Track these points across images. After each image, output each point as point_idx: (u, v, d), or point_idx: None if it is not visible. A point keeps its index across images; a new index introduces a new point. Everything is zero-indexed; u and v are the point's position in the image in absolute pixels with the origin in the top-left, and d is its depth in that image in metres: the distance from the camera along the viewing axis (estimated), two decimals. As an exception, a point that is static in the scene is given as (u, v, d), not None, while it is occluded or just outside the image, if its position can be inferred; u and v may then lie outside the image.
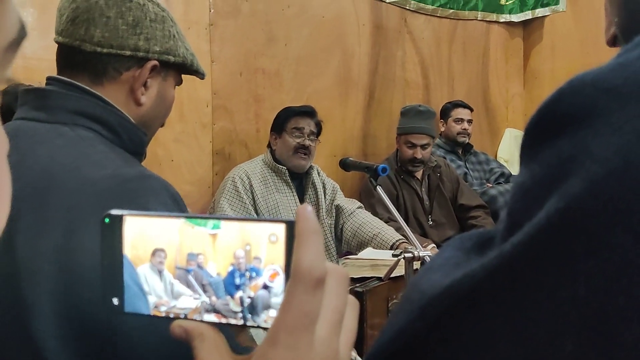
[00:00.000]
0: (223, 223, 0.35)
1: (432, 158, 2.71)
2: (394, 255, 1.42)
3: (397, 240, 2.02)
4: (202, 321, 0.36)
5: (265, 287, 0.35)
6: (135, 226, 0.37)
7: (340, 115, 2.90)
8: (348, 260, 1.84)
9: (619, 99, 0.33)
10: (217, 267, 0.36)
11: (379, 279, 1.59)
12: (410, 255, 1.33)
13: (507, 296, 0.35)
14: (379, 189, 1.49)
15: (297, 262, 0.31)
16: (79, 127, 0.76)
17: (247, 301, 0.35)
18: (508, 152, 3.79)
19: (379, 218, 2.30)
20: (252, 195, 2.12)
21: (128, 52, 0.82)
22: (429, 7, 3.32)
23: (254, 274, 0.35)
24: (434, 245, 2.04)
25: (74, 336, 0.62)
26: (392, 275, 1.48)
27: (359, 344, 1.41)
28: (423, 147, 2.60)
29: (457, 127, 3.14)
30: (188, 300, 0.36)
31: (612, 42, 0.54)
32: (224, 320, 0.36)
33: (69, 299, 0.62)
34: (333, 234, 2.28)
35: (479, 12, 3.63)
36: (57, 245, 0.63)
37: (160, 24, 0.85)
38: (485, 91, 3.78)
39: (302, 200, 2.23)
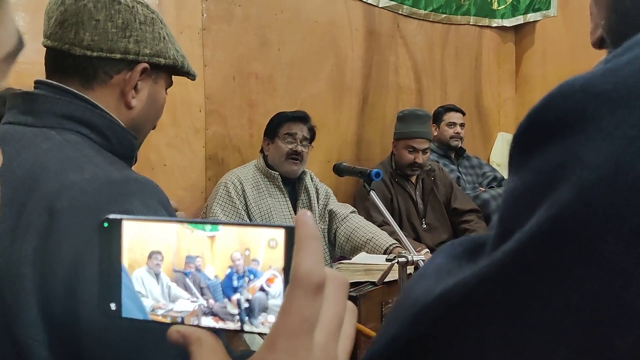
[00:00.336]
0: (222, 227, 0.35)
1: (427, 162, 2.72)
2: (387, 260, 1.42)
3: (390, 245, 2.02)
4: (199, 326, 0.36)
5: (263, 289, 0.35)
6: (133, 230, 0.37)
7: (334, 120, 2.90)
8: (342, 264, 1.84)
9: (609, 104, 0.33)
10: (215, 270, 0.35)
11: (373, 283, 1.59)
12: (403, 259, 1.33)
13: (499, 304, 0.35)
14: (372, 194, 1.49)
15: (296, 267, 0.31)
16: (67, 131, 0.75)
17: (245, 304, 0.35)
18: (500, 156, 3.81)
19: (374, 221, 2.30)
20: (245, 201, 2.12)
21: (118, 55, 0.81)
22: (422, 11, 3.33)
23: (251, 277, 0.35)
24: (427, 250, 2.04)
25: (59, 341, 0.61)
26: (386, 279, 1.48)
27: (353, 350, 1.41)
28: (424, 151, 2.62)
29: (450, 131, 3.15)
30: (185, 304, 0.36)
31: (599, 44, 0.54)
32: (221, 323, 0.36)
33: (49, 303, 0.61)
34: (326, 239, 2.27)
35: (471, 17, 3.65)
36: (35, 248, 0.62)
37: (150, 26, 0.85)
38: (478, 95, 3.79)
39: (294, 206, 2.23)
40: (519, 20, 3.85)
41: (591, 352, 0.33)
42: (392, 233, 2.09)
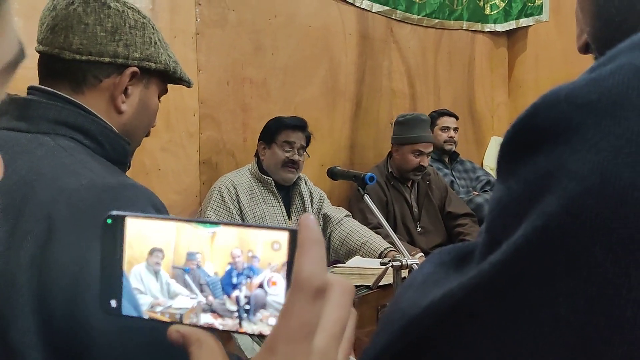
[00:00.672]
0: (224, 227, 0.35)
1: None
2: (382, 264, 1.43)
3: (385, 249, 2.02)
4: (197, 325, 0.36)
5: (262, 286, 0.35)
6: (136, 227, 0.37)
7: (328, 125, 2.90)
8: (336, 268, 1.84)
9: (594, 115, 0.33)
10: (214, 267, 0.36)
11: (368, 287, 1.59)
12: (398, 263, 1.33)
13: (487, 316, 0.35)
14: (366, 197, 1.50)
15: (297, 271, 0.31)
16: (61, 137, 0.75)
17: (243, 300, 0.35)
18: (494, 160, 3.78)
19: (369, 223, 2.30)
20: (239, 205, 2.11)
21: (107, 59, 0.81)
22: (415, 16, 3.35)
23: (251, 273, 0.35)
24: (422, 253, 2.04)
25: (55, 347, 0.61)
26: (381, 283, 1.48)
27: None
28: (428, 154, 2.67)
29: (444, 135, 3.16)
30: (184, 300, 0.36)
31: (584, 49, 0.54)
32: (219, 320, 0.36)
33: (47, 310, 0.61)
34: (321, 243, 2.27)
35: (464, 22, 3.67)
36: (33, 256, 0.62)
37: (140, 30, 0.85)
38: (471, 100, 3.81)
39: (288, 211, 2.23)
40: (511, 25, 3.87)
41: None
42: (386, 236, 2.09)
